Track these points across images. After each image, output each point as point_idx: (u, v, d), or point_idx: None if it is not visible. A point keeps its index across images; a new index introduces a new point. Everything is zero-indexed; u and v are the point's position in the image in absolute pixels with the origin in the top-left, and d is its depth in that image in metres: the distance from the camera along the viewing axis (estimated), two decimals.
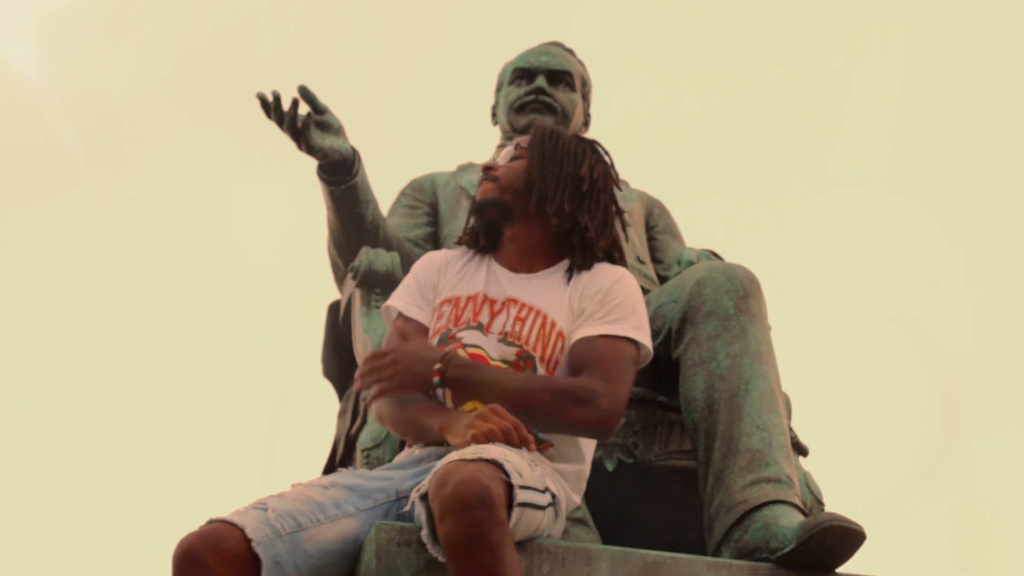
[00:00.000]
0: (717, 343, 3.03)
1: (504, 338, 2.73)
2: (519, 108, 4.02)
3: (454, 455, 2.33)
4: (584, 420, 2.62)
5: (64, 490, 7.38)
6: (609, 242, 2.87)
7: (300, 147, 3.48)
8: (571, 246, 2.83)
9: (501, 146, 3.00)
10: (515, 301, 2.77)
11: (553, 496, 2.53)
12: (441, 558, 2.31)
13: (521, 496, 2.33)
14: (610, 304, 2.73)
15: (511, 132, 4.04)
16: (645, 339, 2.74)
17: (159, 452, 7.39)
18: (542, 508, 2.44)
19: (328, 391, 3.86)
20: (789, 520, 2.69)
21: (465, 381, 2.60)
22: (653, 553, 2.56)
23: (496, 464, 2.30)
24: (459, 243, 2.95)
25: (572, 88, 4.09)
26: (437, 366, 2.59)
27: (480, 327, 2.75)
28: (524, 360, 2.71)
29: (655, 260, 3.88)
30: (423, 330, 2.81)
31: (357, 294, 3.52)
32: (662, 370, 3.19)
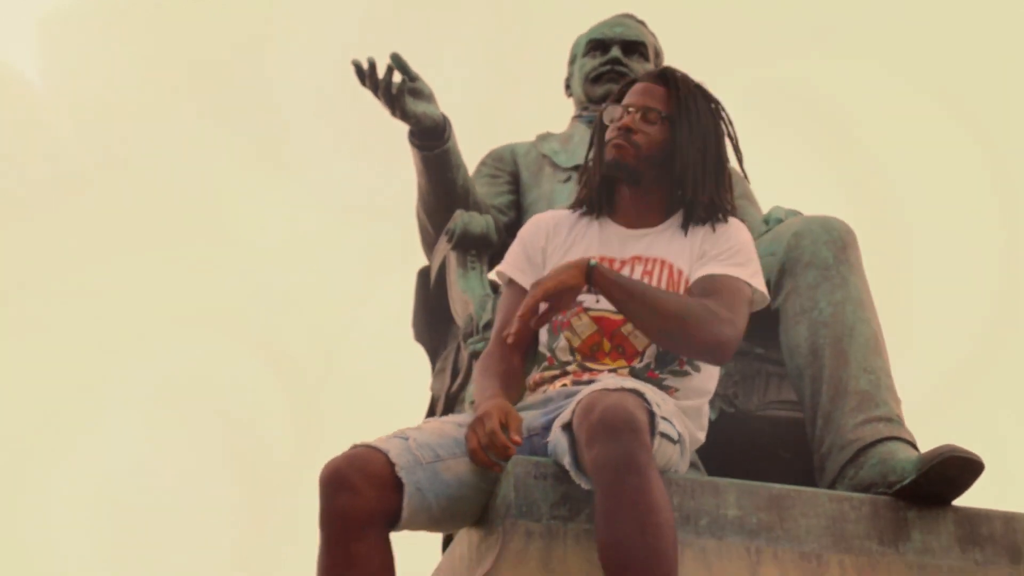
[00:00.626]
0: (818, 292, 3.09)
1: None
2: (595, 79, 4.09)
3: (596, 386, 2.39)
4: (706, 340, 2.63)
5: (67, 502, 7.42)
6: (721, 199, 2.87)
7: (394, 113, 3.55)
8: (687, 203, 2.83)
9: (617, 99, 2.91)
10: (639, 258, 2.79)
11: (679, 434, 2.60)
12: (586, 486, 2.37)
13: (661, 426, 2.40)
14: (732, 249, 2.77)
15: (587, 102, 4.10)
16: (762, 286, 2.79)
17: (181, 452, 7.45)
18: (675, 441, 2.50)
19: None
20: (906, 454, 2.75)
21: (608, 279, 2.62)
22: (777, 486, 2.63)
23: (638, 393, 2.36)
24: (576, 204, 2.92)
25: (646, 58, 4.15)
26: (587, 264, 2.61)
27: (597, 295, 2.74)
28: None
29: None
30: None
31: (452, 256, 3.58)
32: (760, 322, 3.25)
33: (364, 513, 2.42)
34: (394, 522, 2.47)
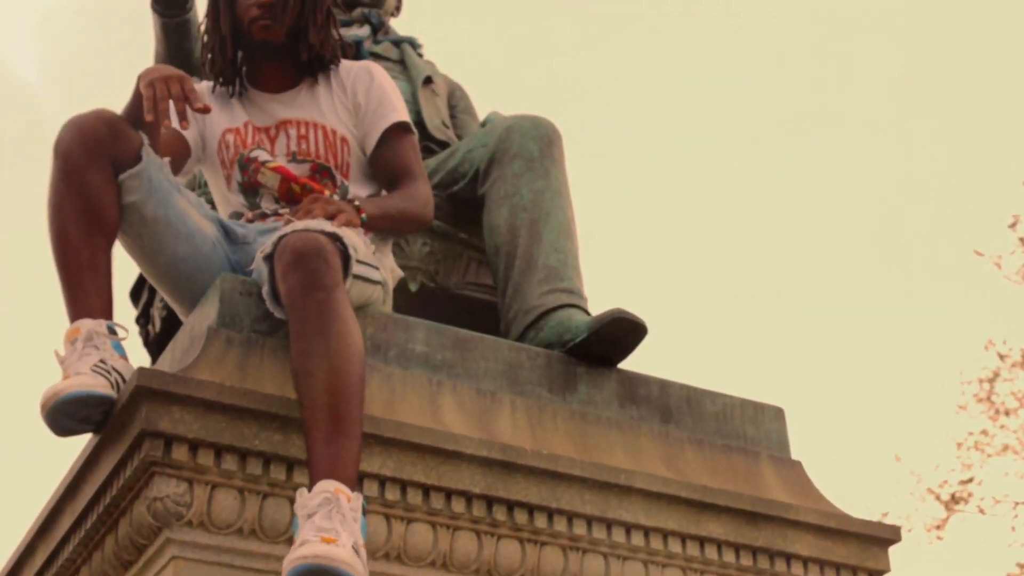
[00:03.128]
0: (521, 180, 3.36)
1: (293, 157, 3.00)
2: None
3: (298, 224, 2.57)
4: (424, 224, 3.02)
5: None
6: (329, 45, 3.09)
7: None
8: (314, 58, 3.06)
9: None
10: (290, 122, 3.03)
11: (383, 278, 2.82)
12: (279, 314, 2.53)
13: (356, 268, 2.59)
14: (381, 93, 3.08)
15: None
16: (408, 117, 3.11)
17: None
18: (373, 283, 2.71)
19: None
20: (581, 318, 3.03)
21: (376, 220, 2.88)
22: (464, 331, 2.86)
23: (336, 237, 2.56)
24: (217, 77, 3.08)
25: None
26: (356, 203, 2.83)
27: (266, 150, 3.01)
28: (320, 172, 3.00)
29: (456, 136, 4.19)
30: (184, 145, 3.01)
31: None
32: (466, 210, 3.51)
33: (101, 147, 2.63)
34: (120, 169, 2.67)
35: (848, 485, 18.52)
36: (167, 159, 2.78)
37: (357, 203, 2.82)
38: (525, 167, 3.38)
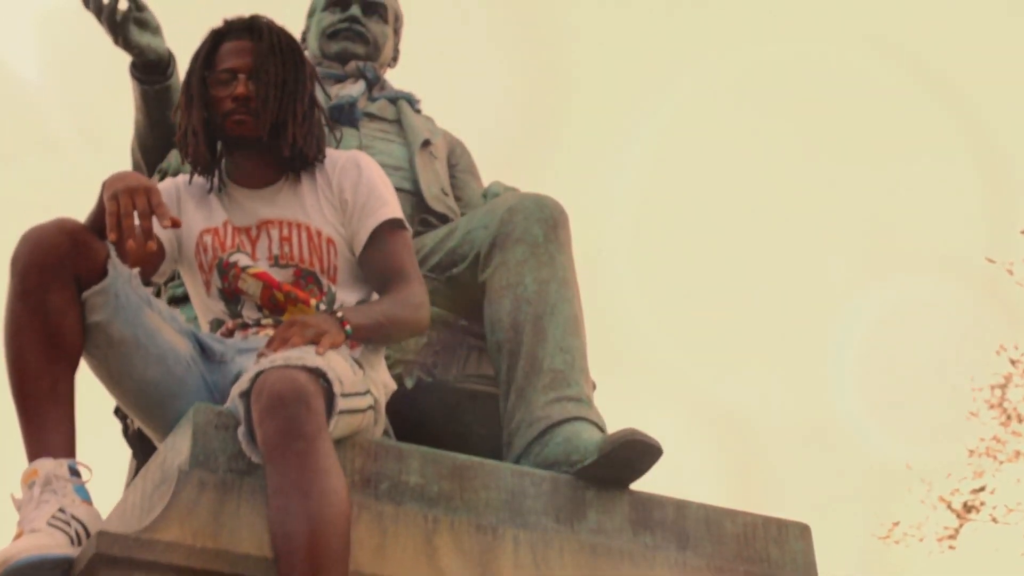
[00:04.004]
0: (525, 268, 3.11)
1: (276, 262, 2.73)
2: (332, 35, 4.04)
3: (278, 358, 2.33)
4: (420, 330, 2.76)
5: None
6: (313, 139, 2.80)
7: (117, 41, 3.42)
8: (295, 154, 2.77)
9: (208, 57, 2.77)
10: (272, 222, 2.76)
11: (374, 399, 2.58)
12: (256, 459, 2.30)
13: (341, 404, 2.35)
14: (370, 188, 2.80)
15: (321, 58, 4.05)
16: (401, 213, 2.83)
17: None
18: (362, 411, 2.47)
19: None
20: (590, 435, 2.79)
21: (364, 330, 2.61)
22: (462, 456, 2.62)
23: (318, 372, 2.31)
24: (194, 168, 2.80)
25: (385, 20, 4.12)
26: (340, 315, 2.56)
27: (247, 255, 2.75)
28: (304, 278, 2.73)
29: (455, 198, 3.94)
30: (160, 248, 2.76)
31: None
32: (466, 295, 3.26)
33: (63, 262, 2.43)
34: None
35: (858, 493, 18.31)
36: (136, 270, 2.54)
37: (341, 315, 2.56)
38: (529, 253, 3.13)
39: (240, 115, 2.69)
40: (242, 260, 2.72)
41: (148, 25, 3.46)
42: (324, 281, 2.74)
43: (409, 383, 3.22)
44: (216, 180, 2.80)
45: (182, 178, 2.85)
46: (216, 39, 2.77)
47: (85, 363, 2.54)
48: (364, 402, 2.49)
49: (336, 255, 2.75)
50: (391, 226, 2.79)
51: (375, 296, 2.81)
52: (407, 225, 2.84)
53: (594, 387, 3.42)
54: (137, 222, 2.56)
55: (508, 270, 3.13)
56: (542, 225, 3.16)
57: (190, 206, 2.80)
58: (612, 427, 2.99)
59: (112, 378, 2.53)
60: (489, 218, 3.23)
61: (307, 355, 2.34)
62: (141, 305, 2.52)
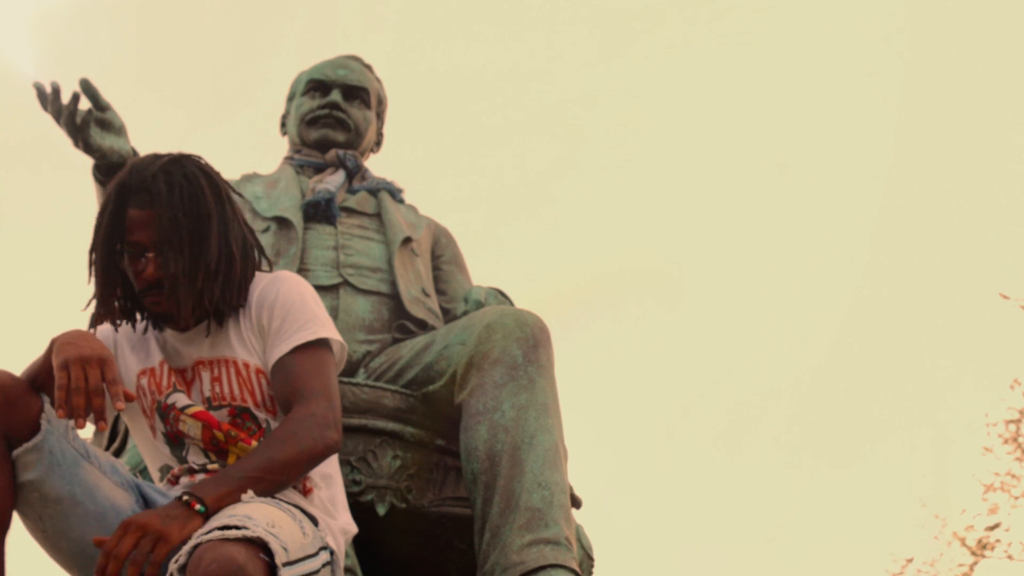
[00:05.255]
0: (503, 392, 2.95)
1: (209, 403, 2.55)
2: (311, 121, 3.88)
3: (216, 529, 2.15)
4: (320, 454, 2.45)
5: None
6: (233, 288, 2.59)
7: (77, 144, 3.25)
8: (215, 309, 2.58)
9: (115, 225, 2.52)
10: (203, 362, 2.57)
11: (332, 552, 2.41)
12: None
13: (287, 573, 2.18)
14: (287, 312, 2.56)
15: (300, 145, 3.90)
16: (334, 333, 2.58)
17: None
18: (315, 573, 2.31)
19: None
20: None
21: (224, 499, 2.33)
22: None
23: (260, 543, 2.14)
24: (114, 323, 2.60)
25: (367, 105, 3.96)
26: (185, 498, 2.29)
27: (183, 392, 2.57)
28: (240, 416, 2.54)
29: (439, 291, 3.78)
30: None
31: None
32: (442, 412, 3.10)
33: None
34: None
35: (872, 530, 18.08)
36: (72, 422, 2.37)
37: (186, 498, 2.28)
38: (507, 376, 2.97)
39: (154, 297, 2.51)
40: (180, 400, 2.55)
41: (111, 125, 3.28)
42: (261, 415, 2.55)
43: (381, 510, 3.04)
44: (142, 324, 2.62)
45: (108, 327, 2.65)
46: (121, 199, 2.53)
47: (20, 521, 2.38)
48: (317, 562, 2.33)
49: (268, 385, 2.56)
50: (302, 348, 2.54)
51: None
52: (325, 343, 2.56)
53: (579, 505, 3.25)
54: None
55: (485, 393, 2.96)
56: (521, 345, 2.99)
57: (126, 349, 2.63)
58: None
59: (48, 538, 2.37)
60: (467, 334, 3.07)
61: (249, 520, 2.17)
62: (78, 459, 2.36)
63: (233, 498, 2.32)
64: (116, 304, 2.56)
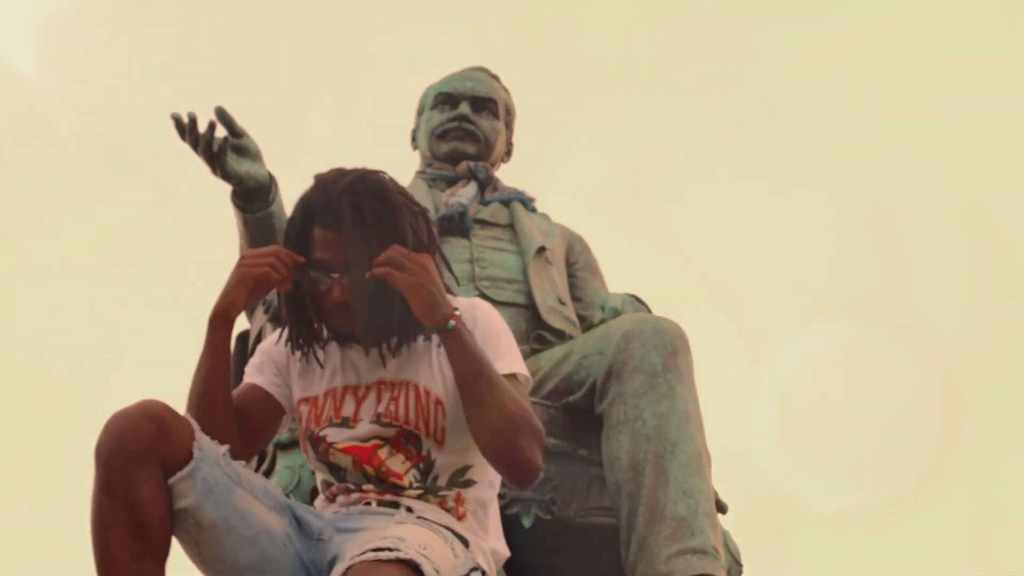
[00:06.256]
0: (643, 401, 2.94)
1: (378, 420, 2.55)
2: (441, 135, 3.91)
3: (369, 551, 2.18)
4: (527, 459, 2.46)
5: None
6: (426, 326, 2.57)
7: (215, 172, 3.32)
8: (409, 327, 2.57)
9: (301, 239, 2.56)
10: (384, 383, 2.58)
11: (483, 573, 2.42)
12: None
13: None
14: (483, 340, 2.54)
15: (431, 159, 3.93)
16: (524, 369, 2.59)
17: None
18: None
19: None
20: None
21: (464, 342, 2.43)
22: None
23: (412, 565, 2.17)
24: (300, 346, 2.61)
25: (496, 116, 3.98)
26: (456, 312, 2.43)
27: (345, 422, 2.58)
28: (406, 438, 2.55)
29: (575, 299, 3.78)
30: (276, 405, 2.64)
31: (268, 328, 3.37)
32: (584, 423, 3.10)
33: (148, 451, 2.32)
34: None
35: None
36: (225, 448, 2.42)
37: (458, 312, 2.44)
38: (647, 384, 2.96)
39: (342, 319, 2.54)
40: (330, 435, 2.57)
41: (247, 151, 3.35)
42: (426, 445, 2.56)
43: (527, 522, 3.06)
44: (320, 353, 2.65)
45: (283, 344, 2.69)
46: (306, 218, 2.56)
47: (177, 545, 2.44)
48: None
49: (444, 417, 2.56)
50: (513, 382, 2.54)
51: (483, 466, 2.62)
52: (523, 378, 2.58)
53: (724, 510, 3.22)
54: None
55: (625, 402, 2.95)
56: (660, 352, 2.98)
57: (295, 373, 2.67)
58: None
59: (205, 563, 2.42)
60: (605, 343, 3.06)
61: (401, 542, 2.20)
62: (231, 485, 2.40)
63: (472, 346, 2.43)
64: (314, 327, 2.58)
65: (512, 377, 2.56)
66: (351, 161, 2.63)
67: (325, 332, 2.60)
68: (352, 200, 2.51)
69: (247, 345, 3.61)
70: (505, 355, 2.58)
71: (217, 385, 2.51)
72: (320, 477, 2.67)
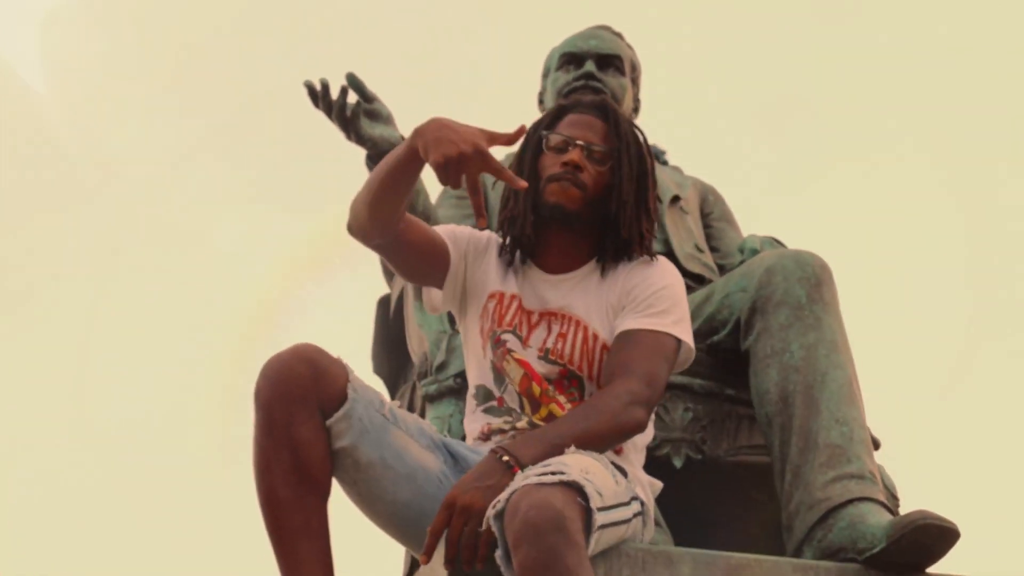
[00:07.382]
0: (790, 333, 2.91)
1: (545, 355, 2.58)
2: (568, 94, 3.90)
3: (532, 475, 2.21)
4: (628, 429, 2.47)
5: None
6: (648, 239, 2.67)
7: (349, 136, 3.37)
8: (617, 244, 2.64)
9: (549, 126, 2.67)
10: (555, 314, 2.60)
11: (642, 503, 2.43)
12: None
13: (600, 519, 2.20)
14: (653, 296, 2.57)
15: None
16: (687, 336, 2.59)
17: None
18: (627, 521, 2.33)
19: None
20: (877, 519, 2.57)
21: (539, 459, 2.35)
22: (737, 555, 2.45)
23: (576, 486, 2.18)
24: (513, 243, 2.66)
25: (622, 72, 3.96)
26: (506, 459, 2.34)
27: (520, 337, 2.61)
28: (569, 379, 2.58)
29: (712, 248, 3.76)
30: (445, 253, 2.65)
31: (410, 289, 3.41)
32: (730, 362, 3.08)
33: (305, 393, 2.38)
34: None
35: None
36: (377, 395, 2.45)
37: (506, 458, 2.32)
38: (793, 317, 2.93)
39: (566, 180, 2.57)
40: (511, 342, 2.59)
41: (379, 115, 3.39)
42: (589, 387, 2.57)
43: (678, 462, 3.05)
44: (518, 257, 2.68)
45: (490, 236, 2.73)
46: (561, 110, 2.69)
47: (337, 485, 2.48)
48: (629, 511, 2.35)
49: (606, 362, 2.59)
50: (651, 332, 2.55)
51: None
52: (673, 339, 2.56)
53: (878, 446, 3.18)
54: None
55: (772, 336, 2.93)
56: (804, 285, 2.95)
57: (492, 263, 2.68)
58: None
59: (364, 501, 2.47)
60: (747, 280, 3.04)
61: (564, 466, 2.21)
62: (386, 425, 2.44)
63: (553, 451, 2.37)
64: (526, 226, 2.62)
65: (671, 337, 2.56)
66: None
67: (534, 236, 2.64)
68: (618, 118, 2.65)
69: (388, 311, 3.65)
70: (669, 313, 2.59)
71: (400, 177, 2.47)
72: (478, 382, 2.67)
